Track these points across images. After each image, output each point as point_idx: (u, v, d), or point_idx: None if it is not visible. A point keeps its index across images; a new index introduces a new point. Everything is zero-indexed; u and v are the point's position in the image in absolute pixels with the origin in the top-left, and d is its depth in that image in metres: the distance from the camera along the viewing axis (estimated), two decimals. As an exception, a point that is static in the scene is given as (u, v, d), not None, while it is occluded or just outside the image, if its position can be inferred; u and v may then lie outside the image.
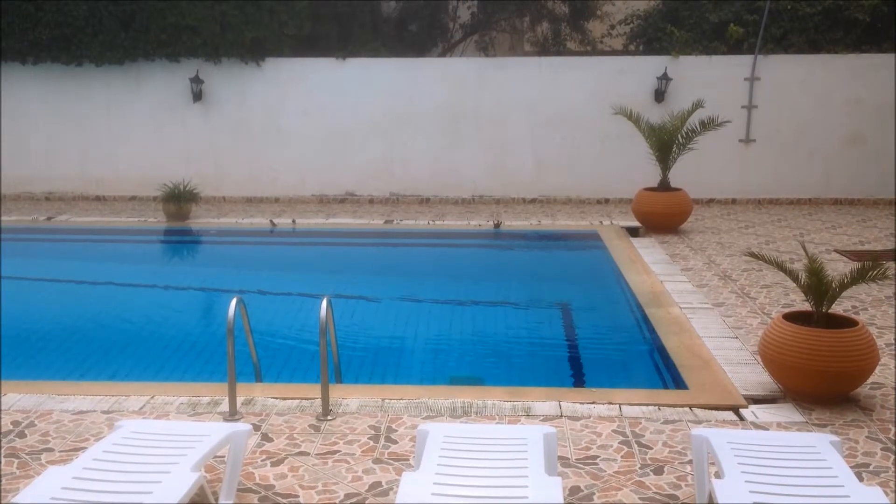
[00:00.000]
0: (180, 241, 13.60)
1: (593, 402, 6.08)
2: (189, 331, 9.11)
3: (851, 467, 4.29)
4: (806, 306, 6.43)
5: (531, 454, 4.29)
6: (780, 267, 6.59)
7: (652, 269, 10.21)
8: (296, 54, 15.76)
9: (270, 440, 5.49)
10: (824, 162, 15.07)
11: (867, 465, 5.11)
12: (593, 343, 8.62)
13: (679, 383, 6.65)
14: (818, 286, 6.08)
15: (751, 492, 3.93)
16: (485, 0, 18.27)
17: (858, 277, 6.10)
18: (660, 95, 14.93)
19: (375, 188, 15.67)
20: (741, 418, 5.86)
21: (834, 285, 6.07)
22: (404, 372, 7.76)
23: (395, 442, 5.45)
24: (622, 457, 5.24)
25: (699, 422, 5.77)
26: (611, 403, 6.06)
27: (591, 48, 18.31)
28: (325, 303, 5.88)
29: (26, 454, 5.28)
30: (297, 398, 6.18)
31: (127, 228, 13.54)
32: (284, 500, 4.74)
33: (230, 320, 5.72)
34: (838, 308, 7.10)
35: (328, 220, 13.83)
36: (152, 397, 6.23)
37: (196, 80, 15.30)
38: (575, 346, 8.63)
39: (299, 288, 10.46)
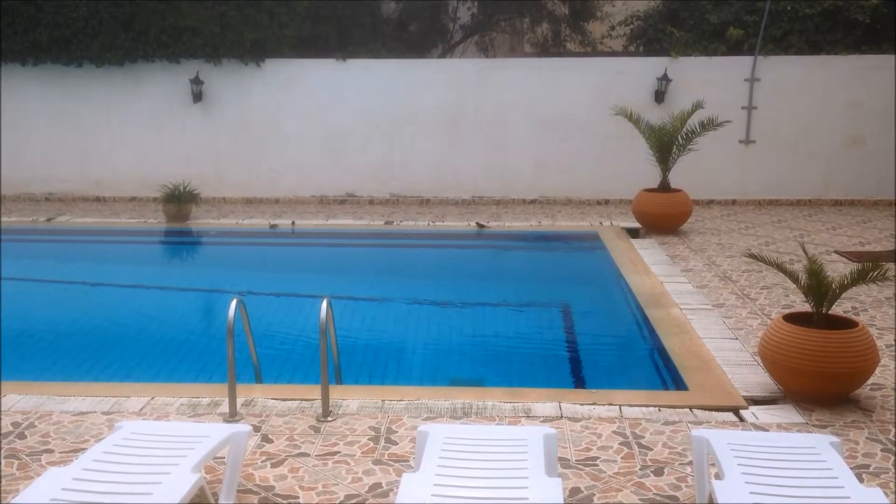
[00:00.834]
0: (180, 242, 13.60)
1: (593, 404, 6.08)
2: (189, 332, 9.11)
3: (851, 468, 4.29)
4: (806, 307, 6.44)
5: (531, 455, 4.28)
6: (781, 268, 6.59)
7: (652, 269, 10.21)
8: (296, 55, 15.76)
9: (270, 441, 5.49)
10: (824, 163, 15.07)
11: (867, 466, 5.11)
12: (593, 344, 8.61)
13: (679, 384, 6.65)
14: (818, 287, 6.08)
15: (751, 493, 3.93)
16: (485, 0, 18.27)
17: (858, 278, 6.10)
18: (660, 96, 14.93)
19: (375, 189, 15.66)
20: (741, 419, 5.86)
21: (834, 286, 6.07)
22: (404, 373, 7.76)
23: (395, 443, 5.45)
24: (622, 458, 5.24)
25: (699, 423, 5.77)
26: (611, 404, 6.06)
27: (591, 49, 18.31)
28: (325, 304, 5.89)
29: (26, 455, 5.28)
30: (298, 399, 6.18)
31: (127, 229, 13.54)
32: (284, 501, 4.74)
33: (230, 321, 5.72)
34: (838, 309, 7.10)
35: (328, 221, 13.83)
36: (152, 398, 6.23)
37: (196, 81, 15.30)
38: (575, 347, 8.63)
39: (299, 289, 10.46)
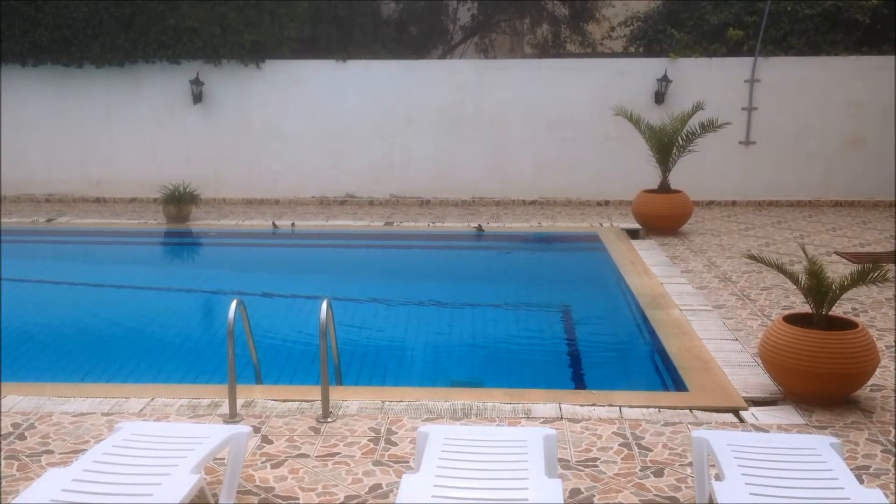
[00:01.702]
0: (180, 242, 13.60)
1: (593, 404, 6.08)
2: (189, 333, 9.11)
3: (852, 469, 4.29)
4: (806, 308, 6.44)
5: (531, 456, 4.28)
6: (781, 269, 6.59)
7: (652, 270, 10.21)
8: (296, 56, 15.77)
9: (270, 442, 5.49)
10: (824, 164, 15.07)
11: (867, 468, 5.11)
12: (593, 345, 8.61)
13: (679, 385, 6.65)
14: (818, 288, 6.08)
15: (751, 494, 3.93)
16: (485, 1, 18.28)
17: (858, 279, 6.10)
18: (660, 97, 14.93)
19: (375, 190, 15.67)
20: (741, 420, 5.86)
21: (834, 287, 6.07)
22: (404, 374, 7.76)
23: (395, 444, 5.45)
24: (622, 459, 5.24)
25: (699, 424, 5.77)
26: (611, 405, 6.06)
27: (592, 50, 18.32)
28: (324, 304, 5.89)
29: (26, 456, 5.28)
30: (297, 400, 6.18)
31: (127, 230, 13.54)
32: (284, 502, 4.73)
33: (230, 322, 5.72)
34: (838, 310, 7.10)
35: (328, 222, 13.83)
36: (152, 399, 6.23)
37: (196, 82, 15.30)
38: (575, 348, 8.63)
39: (299, 290, 10.46)
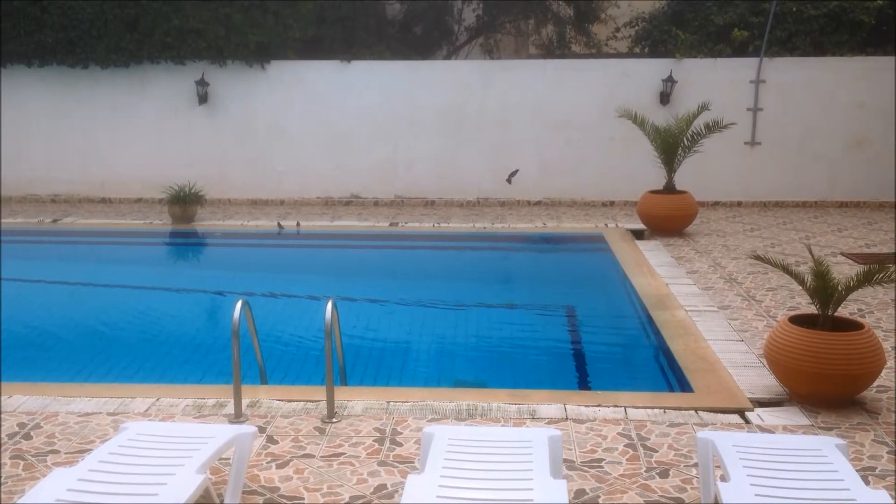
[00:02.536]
0: (185, 243, 13.62)
1: (598, 405, 6.08)
2: (194, 333, 9.12)
3: (857, 470, 4.28)
4: (812, 309, 6.42)
5: (536, 457, 4.28)
6: (786, 270, 6.58)
7: (657, 271, 10.20)
8: (300, 57, 15.79)
9: (275, 442, 5.49)
10: (830, 165, 15.05)
11: (873, 469, 5.10)
12: (598, 346, 8.61)
13: (684, 386, 6.64)
14: (824, 289, 6.07)
15: (756, 495, 3.92)
16: (489, 2, 18.27)
17: (864, 280, 6.09)
18: (665, 98, 14.92)
19: (380, 190, 15.68)
20: (747, 421, 5.85)
21: (840, 288, 6.06)
22: (409, 374, 7.76)
23: (400, 444, 5.45)
24: (627, 459, 5.23)
25: (704, 425, 5.76)
26: (616, 406, 6.06)
27: (596, 51, 18.31)
28: (329, 305, 5.89)
29: (32, 455, 5.29)
30: (303, 400, 6.18)
31: (132, 231, 13.56)
32: (289, 502, 4.74)
33: (235, 322, 5.72)
34: (844, 311, 7.09)
35: (333, 223, 13.84)
36: (158, 399, 6.24)
37: (201, 83, 15.33)
38: (580, 349, 8.63)
39: (304, 290, 10.47)
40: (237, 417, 5.87)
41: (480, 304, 10.02)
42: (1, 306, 9.17)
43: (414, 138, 15.52)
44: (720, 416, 5.94)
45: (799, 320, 6.23)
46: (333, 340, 5.91)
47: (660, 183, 12.66)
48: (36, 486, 4.12)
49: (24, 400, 6.18)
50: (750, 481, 4.04)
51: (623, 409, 6.01)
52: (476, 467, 4.20)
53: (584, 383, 7.61)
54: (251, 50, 15.22)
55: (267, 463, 5.20)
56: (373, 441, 5.50)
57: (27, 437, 5.57)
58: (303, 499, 4.77)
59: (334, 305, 5.97)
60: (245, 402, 6.04)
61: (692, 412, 5.99)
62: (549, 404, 6.10)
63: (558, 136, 15.30)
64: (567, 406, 6.07)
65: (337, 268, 12.13)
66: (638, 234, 12.54)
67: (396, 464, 5.18)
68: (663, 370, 7.37)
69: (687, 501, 4.74)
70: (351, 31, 16.66)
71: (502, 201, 15.46)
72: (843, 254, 11.09)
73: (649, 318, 8.51)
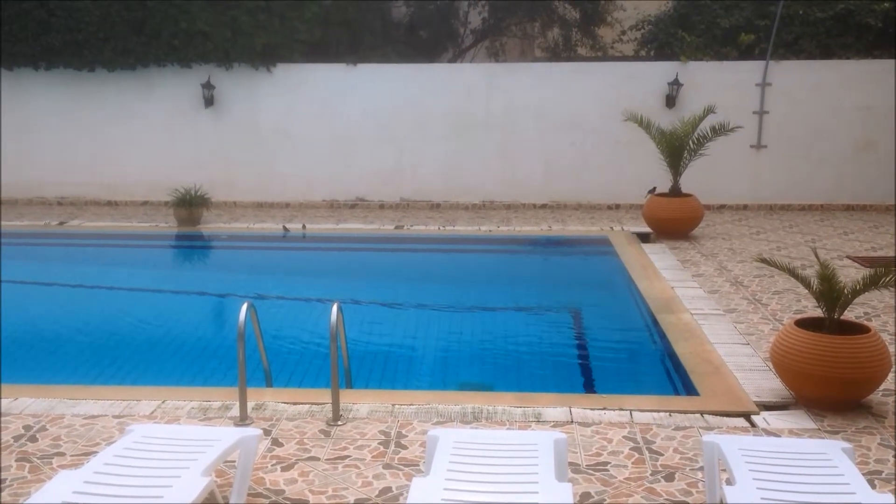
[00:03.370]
0: (191, 246, 13.64)
1: (604, 408, 6.07)
2: (200, 336, 9.13)
3: (863, 474, 4.27)
4: (818, 312, 6.40)
5: (541, 460, 4.28)
6: (792, 273, 6.57)
7: (663, 274, 10.19)
8: (306, 60, 15.80)
9: (281, 445, 5.49)
10: (836, 168, 15.02)
11: (879, 472, 5.08)
12: (604, 349, 8.60)
13: (690, 389, 6.64)
14: (830, 292, 6.06)
15: (762, 498, 3.91)
16: (496, 1, 18.27)
17: (870, 284, 6.08)
18: (671, 101, 14.91)
19: (385, 193, 15.68)
20: (752, 425, 5.84)
21: (846, 291, 6.05)
22: (414, 377, 7.76)
23: (406, 447, 5.45)
24: (633, 463, 5.22)
25: (710, 428, 5.75)
26: (621, 409, 6.05)
27: (602, 54, 18.30)
28: (335, 308, 5.89)
29: (38, 458, 5.30)
30: (308, 403, 6.18)
31: (138, 233, 13.58)
32: (294, 505, 4.74)
33: (241, 325, 5.73)
34: (850, 315, 7.07)
35: (338, 226, 13.85)
36: (163, 402, 6.25)
37: (207, 86, 15.35)
38: (586, 352, 8.62)
39: (309, 293, 10.47)
40: (242, 420, 5.87)
41: (486, 306, 10.01)
42: (1, 307, 9.18)
43: (419, 141, 15.52)
44: (726, 419, 5.93)
45: (805, 324, 6.22)
46: (339, 343, 5.92)
47: (665, 186, 12.64)
48: (41, 488, 4.13)
49: (30, 402, 6.20)
50: (756, 485, 4.04)
51: (628, 412, 6.01)
52: (481, 470, 4.20)
53: (589, 386, 7.60)
54: (257, 53, 15.24)
55: (272, 465, 5.20)
56: (378, 444, 5.50)
57: (33, 439, 5.59)
58: (308, 501, 4.78)
59: (339, 308, 5.98)
60: (250, 404, 6.04)
61: (698, 415, 5.99)
62: (554, 407, 6.10)
63: (564, 139, 15.29)
64: (572, 409, 6.06)
65: (342, 271, 12.13)
66: (644, 238, 12.52)
67: (401, 467, 5.18)
68: (669, 373, 7.36)
69: (692, 505, 4.73)
70: (357, 34, 16.67)
71: (508, 204, 15.45)
72: (849, 257, 11.07)
73: (655, 321, 8.50)
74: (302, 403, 6.18)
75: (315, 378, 7.41)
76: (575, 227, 13.62)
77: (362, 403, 6.18)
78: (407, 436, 5.62)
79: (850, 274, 9.66)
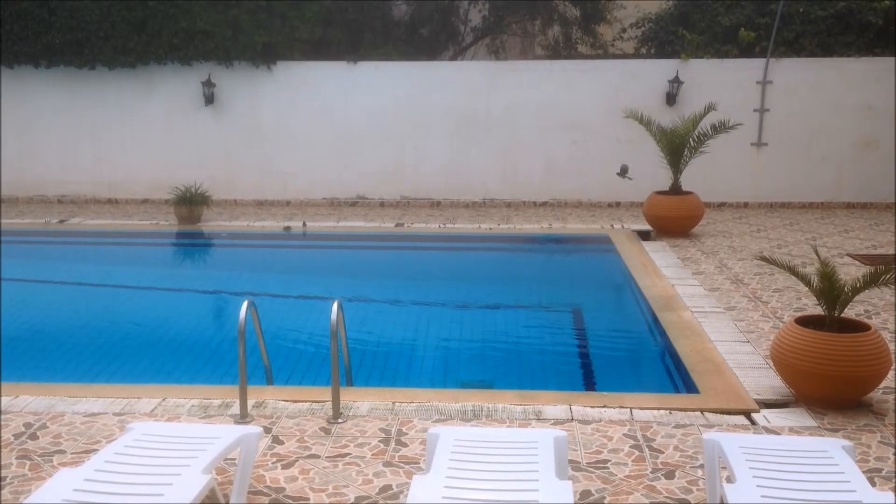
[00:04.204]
0: (192, 244, 13.64)
1: (604, 406, 6.07)
2: (200, 333, 9.13)
3: (864, 472, 4.27)
4: (818, 310, 6.41)
5: (542, 458, 4.28)
6: (793, 271, 6.56)
7: (663, 272, 10.19)
8: (307, 58, 15.80)
9: (281, 443, 5.50)
10: (836, 166, 15.01)
11: (879, 470, 5.08)
12: (604, 347, 8.60)
13: (690, 387, 6.64)
14: (830, 290, 6.06)
15: (762, 496, 3.91)
16: (497, 1, 18.25)
17: (871, 281, 6.08)
18: (671, 99, 14.90)
19: (386, 191, 15.69)
20: (753, 423, 5.84)
21: (846, 289, 6.05)
22: (415, 375, 7.76)
23: (406, 445, 5.45)
24: (633, 461, 5.23)
25: (710, 426, 5.75)
26: (622, 407, 6.05)
27: (603, 52, 18.27)
28: (335, 306, 5.89)
29: (38, 456, 5.31)
30: (308, 401, 6.19)
31: (139, 231, 13.59)
32: (294, 503, 4.74)
33: (241, 323, 5.73)
34: (850, 312, 7.07)
35: (339, 224, 13.85)
36: (164, 399, 6.25)
37: (208, 84, 15.35)
38: (586, 350, 8.62)
39: (310, 291, 10.48)
40: (243, 418, 5.88)
41: (486, 304, 10.01)
42: (1, 306, 9.19)
43: (420, 139, 15.52)
44: (726, 417, 5.93)
45: (805, 321, 6.22)
46: (339, 341, 5.92)
47: (666, 184, 12.64)
48: (42, 486, 4.14)
49: (31, 400, 6.20)
50: (756, 483, 4.04)
51: (629, 410, 6.01)
52: (481, 468, 4.20)
53: (589, 384, 7.60)
54: (258, 51, 15.24)
55: (272, 463, 5.21)
56: (378, 442, 5.50)
57: (33, 437, 5.59)
58: (308, 499, 4.78)
59: (340, 306, 5.98)
60: (251, 402, 6.04)
61: (698, 413, 5.99)
62: (554, 405, 6.10)
63: (564, 137, 15.29)
64: (573, 407, 6.06)
65: (342, 268, 12.14)
66: (644, 235, 12.53)
67: (402, 464, 5.18)
68: (669, 371, 7.36)
69: (693, 503, 4.73)
70: (357, 33, 16.67)
71: (508, 202, 15.45)
72: (849, 255, 11.07)
73: (655, 319, 8.50)
74: (302, 401, 6.18)
75: (315, 376, 7.41)
76: (575, 224, 13.62)
77: (363, 401, 6.18)
78: (407, 434, 5.63)
79: (850, 272, 9.67)
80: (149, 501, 3.92)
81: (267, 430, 5.65)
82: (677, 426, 5.74)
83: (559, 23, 18.47)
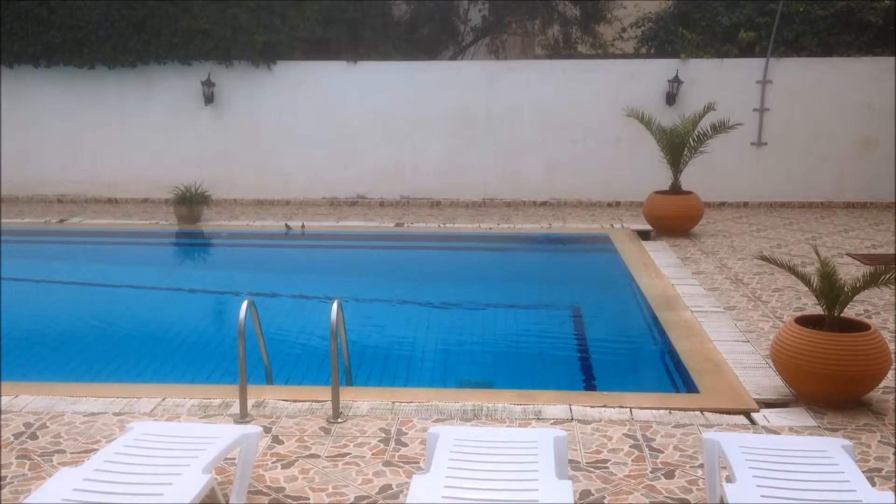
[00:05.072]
0: (192, 243, 13.64)
1: (604, 406, 6.07)
2: (200, 333, 9.13)
3: (863, 472, 4.27)
4: (818, 310, 6.41)
5: (541, 457, 4.28)
6: (792, 270, 6.56)
7: (663, 272, 10.19)
8: (307, 58, 15.80)
9: (281, 442, 5.50)
10: (836, 165, 15.02)
11: (879, 470, 5.08)
12: (604, 346, 8.60)
13: (690, 387, 6.63)
14: (830, 290, 6.06)
15: (762, 496, 3.91)
16: (496, 2, 18.26)
17: (871, 281, 6.08)
18: (671, 98, 14.91)
19: (386, 191, 15.69)
20: (753, 422, 5.84)
21: (846, 289, 6.04)
22: (414, 375, 7.76)
23: (406, 445, 5.45)
24: (633, 461, 5.22)
25: (710, 426, 5.75)
26: (622, 407, 6.05)
27: (603, 51, 18.28)
28: (335, 306, 5.89)
29: (38, 455, 5.30)
30: (308, 401, 6.18)
31: (139, 231, 13.59)
32: (294, 503, 4.74)
33: (241, 323, 5.73)
34: (850, 312, 7.07)
35: (339, 223, 13.85)
36: (163, 399, 6.25)
37: (208, 83, 15.35)
38: (586, 350, 8.61)
39: (310, 291, 10.47)
40: (243, 418, 5.88)
41: (486, 304, 10.01)
42: (1, 305, 9.18)
43: (420, 139, 15.52)
44: (726, 417, 5.93)
45: (805, 321, 6.22)
46: (339, 341, 5.92)
47: (666, 184, 12.64)
48: (42, 486, 4.14)
49: (31, 400, 6.20)
50: (756, 482, 4.04)
51: (629, 409, 6.01)
52: (481, 468, 4.20)
53: (589, 384, 7.60)
54: (258, 50, 15.24)
55: (272, 463, 5.21)
56: (378, 441, 5.50)
57: (33, 436, 5.59)
58: (308, 499, 4.78)
59: (340, 306, 5.98)
60: (251, 402, 6.04)
61: (698, 413, 5.99)
62: (554, 405, 6.10)
63: (564, 137, 15.29)
64: (572, 407, 6.06)
65: (342, 268, 12.14)
66: (644, 235, 12.52)
67: (402, 464, 5.18)
68: (669, 371, 7.36)
69: (692, 502, 4.73)
70: (357, 32, 16.67)
71: (508, 202, 15.45)
72: (849, 255, 11.07)
73: (655, 318, 8.50)
74: (302, 401, 6.18)
75: (315, 375, 7.41)
76: (575, 224, 13.62)
77: (362, 401, 6.18)
78: (407, 433, 5.63)
79: (850, 271, 9.67)
80: (149, 501, 3.92)
81: (267, 430, 5.65)
82: (677, 426, 5.74)
83: (559, 22, 18.49)
